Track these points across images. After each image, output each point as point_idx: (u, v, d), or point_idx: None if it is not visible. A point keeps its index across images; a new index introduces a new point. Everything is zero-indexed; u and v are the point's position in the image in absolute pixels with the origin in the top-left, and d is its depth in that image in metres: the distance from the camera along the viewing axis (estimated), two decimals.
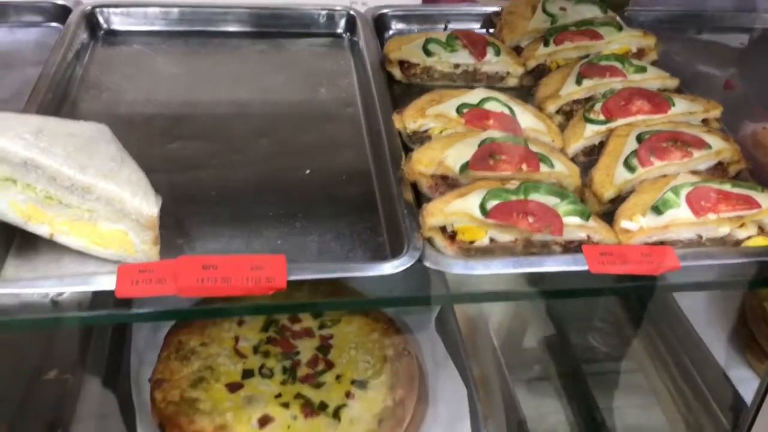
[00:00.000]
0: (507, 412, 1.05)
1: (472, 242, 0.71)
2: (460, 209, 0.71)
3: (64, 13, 1.02)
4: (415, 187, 0.79)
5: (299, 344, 0.98)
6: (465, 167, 0.77)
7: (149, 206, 0.67)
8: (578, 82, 0.93)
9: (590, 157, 0.87)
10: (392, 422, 0.89)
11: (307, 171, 0.83)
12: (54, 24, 1.02)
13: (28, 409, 0.91)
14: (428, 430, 0.93)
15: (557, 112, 0.93)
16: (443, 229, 0.72)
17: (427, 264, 0.67)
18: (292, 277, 0.64)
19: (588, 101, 0.92)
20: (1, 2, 1.02)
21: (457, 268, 0.67)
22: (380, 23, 1.10)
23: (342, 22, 1.09)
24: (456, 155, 0.78)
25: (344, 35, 1.09)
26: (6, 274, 0.66)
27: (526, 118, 0.87)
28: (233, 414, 0.88)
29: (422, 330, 1.04)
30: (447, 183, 0.78)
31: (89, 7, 1.02)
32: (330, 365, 0.96)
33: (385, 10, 1.10)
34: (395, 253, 0.69)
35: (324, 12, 1.09)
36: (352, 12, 1.08)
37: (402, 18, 1.12)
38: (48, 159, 0.65)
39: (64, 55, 0.93)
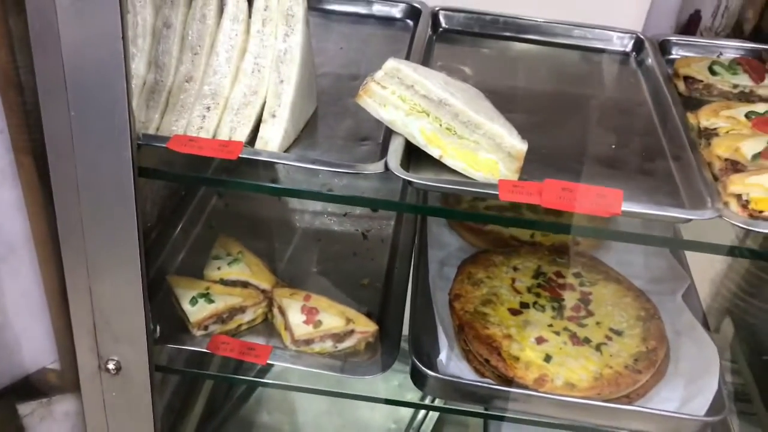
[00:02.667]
0: None
1: (761, 212, 0.89)
2: (757, 182, 0.89)
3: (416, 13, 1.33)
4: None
5: (564, 293, 1.20)
6: (756, 156, 0.95)
7: (521, 144, 0.92)
8: None
9: None
10: (646, 363, 1.07)
11: (613, 146, 1.05)
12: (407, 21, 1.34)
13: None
14: (670, 382, 1.10)
15: None
16: (738, 197, 0.90)
17: (727, 219, 0.86)
18: (625, 208, 0.85)
19: None
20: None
21: (758, 226, 0.86)
22: (662, 47, 1.30)
23: (630, 43, 1.31)
24: (750, 147, 0.96)
25: (631, 54, 1.31)
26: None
27: None
28: (516, 330, 1.11)
29: (664, 308, 1.21)
30: (736, 168, 0.96)
31: (435, 8, 1.33)
32: (590, 313, 1.16)
33: (669, 38, 1.31)
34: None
35: (615, 32, 1.32)
36: (641, 35, 1.30)
37: (681, 46, 1.32)
38: (456, 101, 0.92)
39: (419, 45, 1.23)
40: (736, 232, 0.92)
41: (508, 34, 1.34)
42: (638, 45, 1.31)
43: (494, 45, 1.32)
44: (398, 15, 1.35)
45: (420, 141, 0.94)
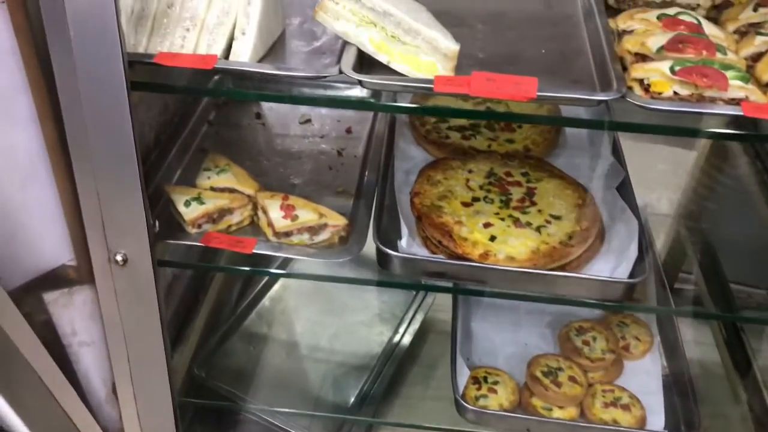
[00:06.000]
0: None
1: (660, 93, 1.04)
2: (656, 68, 1.04)
3: None
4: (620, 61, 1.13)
5: (512, 189, 1.36)
6: (660, 49, 1.10)
7: (454, 45, 1.07)
8: (755, 9, 1.22)
9: (756, 62, 1.16)
10: (578, 240, 1.23)
11: (542, 50, 1.20)
12: None
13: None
14: (603, 258, 1.26)
15: (734, 32, 1.23)
16: (641, 82, 1.05)
17: (630, 99, 1.02)
18: (540, 93, 1.00)
19: (761, 24, 1.21)
20: None
21: (653, 104, 1.01)
22: None
23: None
24: (654, 41, 1.11)
25: None
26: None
27: (709, 27, 1.18)
28: (466, 218, 1.27)
29: (607, 195, 1.37)
30: (644, 60, 1.11)
31: None
32: (534, 204, 1.32)
33: None
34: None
35: None
36: None
37: None
38: (397, 11, 1.07)
39: None
40: (645, 114, 1.08)
41: None
42: None
43: None
44: None
45: (370, 49, 1.10)
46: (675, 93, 1.04)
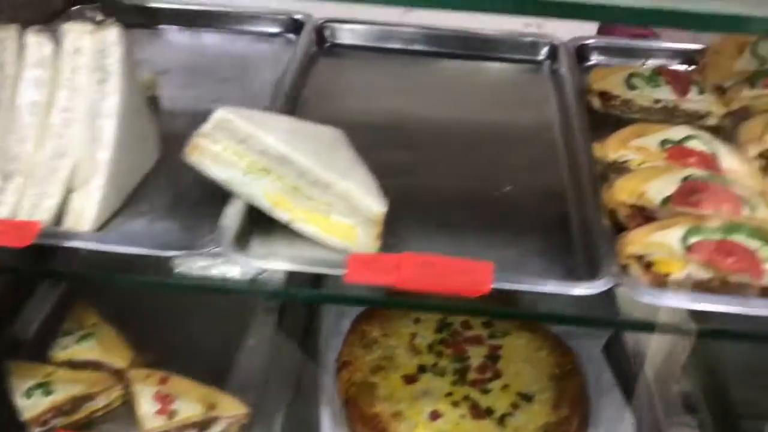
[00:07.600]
0: None
1: (667, 274, 0.74)
2: (660, 241, 0.73)
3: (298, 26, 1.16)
4: (610, 214, 0.82)
5: (470, 350, 1.05)
6: (666, 201, 0.79)
7: (379, 205, 0.76)
8: None
9: None
10: None
11: (507, 188, 0.89)
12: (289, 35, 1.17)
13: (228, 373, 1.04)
14: None
15: (759, 156, 0.93)
16: (639, 258, 0.75)
17: (624, 290, 0.71)
18: (496, 285, 0.69)
19: None
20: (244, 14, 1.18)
21: (663, 299, 0.70)
22: (581, 54, 1.14)
23: (544, 50, 1.14)
24: (658, 189, 0.80)
25: (544, 63, 1.14)
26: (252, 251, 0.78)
27: (727, 159, 0.88)
28: (408, 404, 0.96)
29: (589, 355, 1.06)
30: (644, 215, 0.81)
31: (320, 21, 1.16)
32: (498, 374, 1.01)
33: (587, 41, 1.15)
34: (589, 276, 0.74)
35: (527, 39, 1.15)
36: (555, 41, 1.14)
37: (603, 50, 1.15)
38: (300, 156, 0.76)
39: (297, 64, 1.06)
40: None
41: (405, 47, 1.16)
42: (553, 52, 1.14)
43: (388, 61, 1.15)
44: (277, 30, 1.17)
45: (264, 204, 0.78)
46: (687, 275, 0.74)
